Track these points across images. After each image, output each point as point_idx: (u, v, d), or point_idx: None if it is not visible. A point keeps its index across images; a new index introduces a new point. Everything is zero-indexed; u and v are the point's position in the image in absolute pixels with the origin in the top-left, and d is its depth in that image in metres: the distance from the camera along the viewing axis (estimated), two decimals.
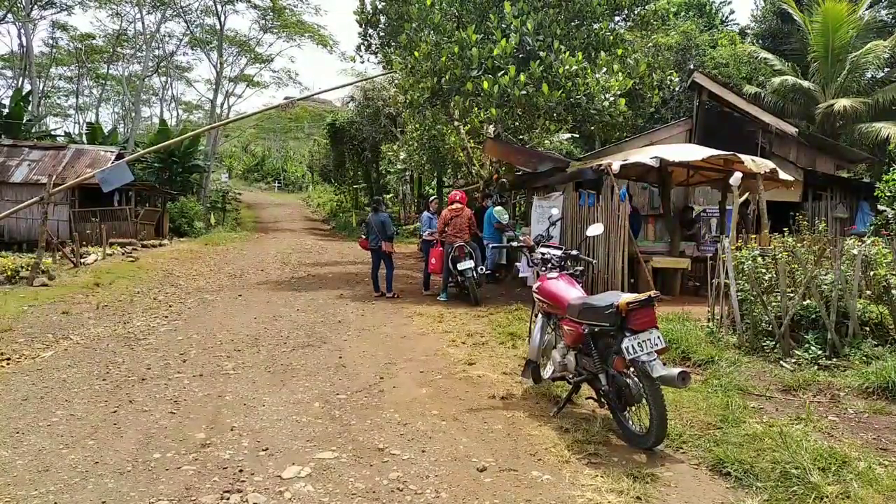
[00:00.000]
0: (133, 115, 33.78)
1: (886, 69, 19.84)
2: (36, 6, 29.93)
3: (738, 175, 8.03)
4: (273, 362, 6.03)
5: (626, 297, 3.87)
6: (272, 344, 6.82)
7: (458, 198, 10.30)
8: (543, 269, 5.02)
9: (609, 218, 8.73)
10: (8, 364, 5.85)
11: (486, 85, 9.94)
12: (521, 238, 10.71)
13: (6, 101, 26.55)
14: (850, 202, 13.11)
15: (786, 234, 6.82)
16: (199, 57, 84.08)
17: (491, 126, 12.86)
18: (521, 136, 14.38)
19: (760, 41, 23.36)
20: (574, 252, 5.12)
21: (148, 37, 31.83)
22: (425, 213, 12.66)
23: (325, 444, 3.97)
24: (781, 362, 5.54)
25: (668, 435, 3.87)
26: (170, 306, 9.12)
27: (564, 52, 10.06)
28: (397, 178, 29.20)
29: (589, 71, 10.16)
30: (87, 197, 20.25)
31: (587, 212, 9.47)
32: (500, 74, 10.05)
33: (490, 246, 11.02)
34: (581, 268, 5.12)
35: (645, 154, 9.41)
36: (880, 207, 9.62)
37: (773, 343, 5.83)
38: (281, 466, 3.62)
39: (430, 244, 11.15)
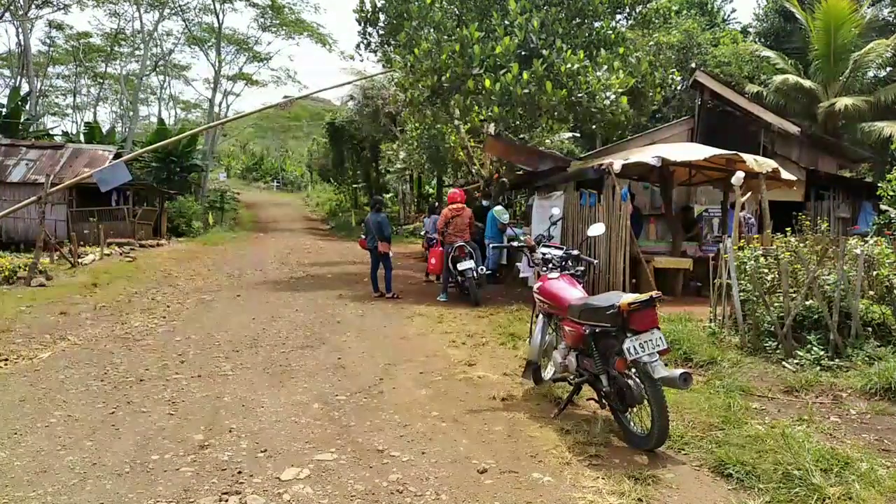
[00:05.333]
0: (131, 114, 33.81)
1: (889, 68, 19.79)
2: (33, 5, 29.85)
3: (740, 174, 8.01)
4: (272, 363, 6.00)
5: (628, 298, 3.84)
6: (271, 345, 6.78)
7: (458, 197, 10.27)
8: (544, 269, 5.00)
9: (610, 218, 8.70)
10: (5, 365, 5.81)
11: (487, 83, 9.89)
12: (521, 238, 10.67)
13: (4, 101, 26.52)
14: (853, 202, 13.08)
15: (788, 233, 6.79)
16: (198, 55, 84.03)
17: (491, 125, 12.82)
18: (521, 136, 14.34)
19: (762, 39, 23.30)
20: (575, 252, 5.10)
21: (146, 35, 31.78)
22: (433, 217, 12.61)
23: (325, 445, 3.94)
24: (784, 363, 5.52)
25: (670, 436, 3.84)
26: (168, 307, 9.09)
27: (566, 51, 10.03)
28: (397, 177, 29.12)
29: (590, 69, 10.12)
30: (84, 197, 20.22)
31: (588, 211, 9.44)
32: (502, 72, 10.00)
33: (491, 246, 10.99)
34: (582, 268, 5.10)
35: (646, 153, 9.39)
36: (883, 207, 9.57)
37: (776, 344, 5.80)
38: (280, 468, 3.59)
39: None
